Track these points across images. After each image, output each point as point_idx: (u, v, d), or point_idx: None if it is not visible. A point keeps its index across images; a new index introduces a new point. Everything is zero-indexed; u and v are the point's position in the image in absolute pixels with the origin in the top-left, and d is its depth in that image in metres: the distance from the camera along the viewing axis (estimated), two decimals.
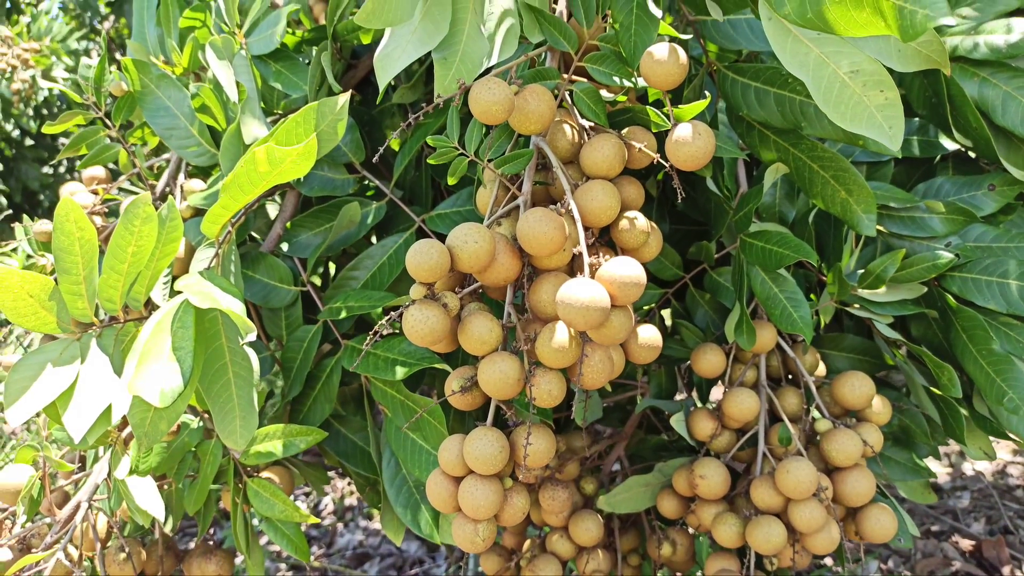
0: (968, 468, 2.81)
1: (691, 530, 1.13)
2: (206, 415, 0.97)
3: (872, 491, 1.00)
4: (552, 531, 1.13)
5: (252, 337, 0.72)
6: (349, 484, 3.34)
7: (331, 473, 3.47)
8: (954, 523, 2.46)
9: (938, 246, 1.06)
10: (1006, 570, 2.20)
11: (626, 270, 0.69)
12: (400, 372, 0.95)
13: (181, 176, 1.19)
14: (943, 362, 1.00)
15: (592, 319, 0.67)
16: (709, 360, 1.06)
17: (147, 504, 0.86)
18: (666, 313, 1.27)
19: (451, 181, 0.82)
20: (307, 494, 3.30)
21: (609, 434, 1.29)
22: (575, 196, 0.76)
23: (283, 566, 2.76)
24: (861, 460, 1.01)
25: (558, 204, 0.76)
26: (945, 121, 0.96)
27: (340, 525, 3.04)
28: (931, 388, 1.06)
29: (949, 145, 1.11)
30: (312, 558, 2.79)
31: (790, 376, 1.14)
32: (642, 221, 0.79)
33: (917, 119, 1.13)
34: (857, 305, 1.08)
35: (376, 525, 3.01)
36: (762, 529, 0.95)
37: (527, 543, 1.18)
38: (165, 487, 0.99)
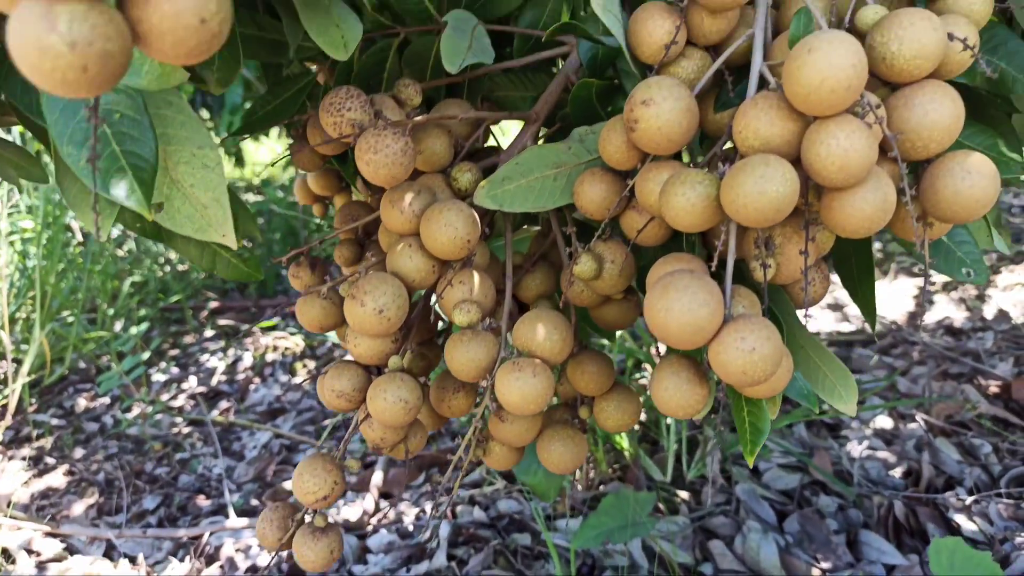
0: (991, 310, 2.38)
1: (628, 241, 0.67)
2: None
3: (959, 122, 0.54)
4: (397, 240, 0.66)
5: None
6: (274, 340, 2.91)
7: (248, 326, 3.04)
8: (976, 364, 2.05)
9: None
10: None
11: None
12: None
13: None
14: None
15: None
16: None
17: None
18: None
19: None
20: (224, 349, 2.87)
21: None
22: None
23: (179, 420, 2.35)
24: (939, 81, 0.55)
25: None
26: None
27: (257, 380, 2.62)
28: None
29: None
30: (217, 413, 2.37)
31: None
32: None
33: None
34: None
35: (298, 379, 2.59)
36: (755, 172, 0.49)
37: (356, 267, 0.73)
38: None
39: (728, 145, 0.61)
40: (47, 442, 2.29)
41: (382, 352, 0.66)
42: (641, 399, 1.02)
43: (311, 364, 2.68)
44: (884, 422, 1.82)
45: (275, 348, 2.83)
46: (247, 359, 2.78)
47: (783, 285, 0.63)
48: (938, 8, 0.58)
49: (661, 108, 0.54)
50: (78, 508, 1.94)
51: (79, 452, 2.22)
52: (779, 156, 0.51)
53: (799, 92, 0.49)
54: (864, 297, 0.74)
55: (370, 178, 0.58)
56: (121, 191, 0.53)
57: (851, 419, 1.83)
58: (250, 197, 4.65)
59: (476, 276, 0.65)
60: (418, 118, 0.64)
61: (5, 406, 2.36)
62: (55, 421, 2.42)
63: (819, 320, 2.51)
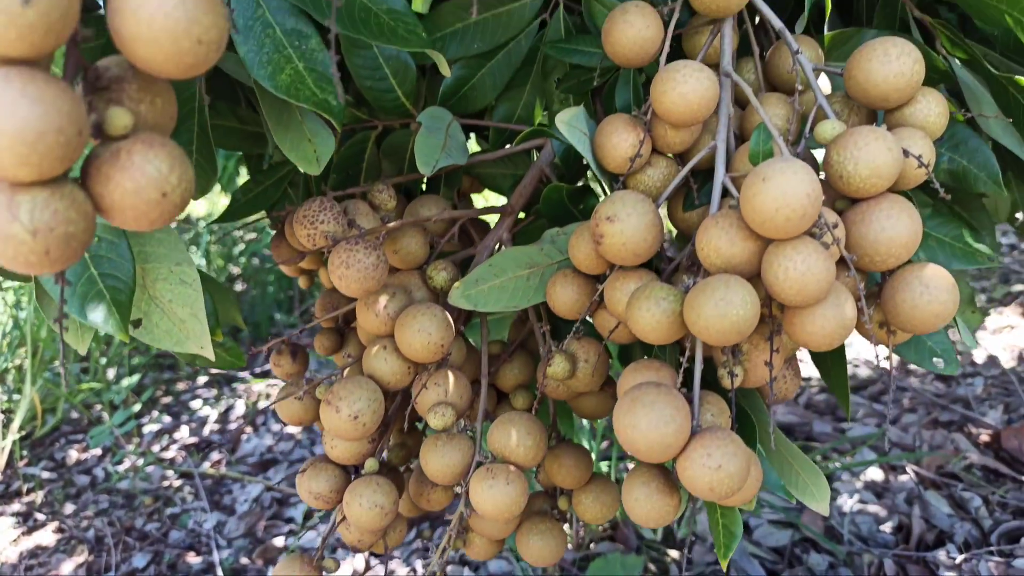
0: (980, 355, 2.39)
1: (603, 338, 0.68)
2: None
3: (917, 237, 0.55)
4: (373, 341, 0.68)
5: None
6: (269, 386, 2.90)
7: (244, 373, 3.05)
8: (966, 412, 2.05)
9: None
10: None
11: None
12: None
13: None
14: None
15: None
16: (631, 25, 0.60)
17: None
18: None
19: None
20: (217, 398, 2.87)
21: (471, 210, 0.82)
22: None
23: (171, 473, 2.34)
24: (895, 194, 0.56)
25: None
26: None
27: (249, 429, 2.61)
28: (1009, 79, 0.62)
29: None
30: (209, 465, 2.37)
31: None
32: None
33: None
34: None
35: (291, 429, 2.58)
36: (715, 295, 0.50)
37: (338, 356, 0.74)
38: None
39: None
40: (37, 496, 2.27)
41: (359, 454, 0.67)
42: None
43: None
44: (875, 474, 1.82)
45: (267, 396, 2.83)
46: (239, 407, 2.77)
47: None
48: (895, 119, 0.60)
49: (625, 224, 0.56)
50: (67, 567, 1.93)
51: (69, 507, 2.20)
52: (740, 276, 0.52)
53: (755, 219, 0.50)
54: (836, 381, 0.74)
55: (343, 291, 0.59)
56: (98, 316, 0.54)
57: (842, 470, 1.83)
58: (245, 236, 4.67)
59: (451, 377, 0.66)
60: (392, 224, 0.66)
61: None
62: (46, 474, 2.41)
63: (807, 367, 2.51)
